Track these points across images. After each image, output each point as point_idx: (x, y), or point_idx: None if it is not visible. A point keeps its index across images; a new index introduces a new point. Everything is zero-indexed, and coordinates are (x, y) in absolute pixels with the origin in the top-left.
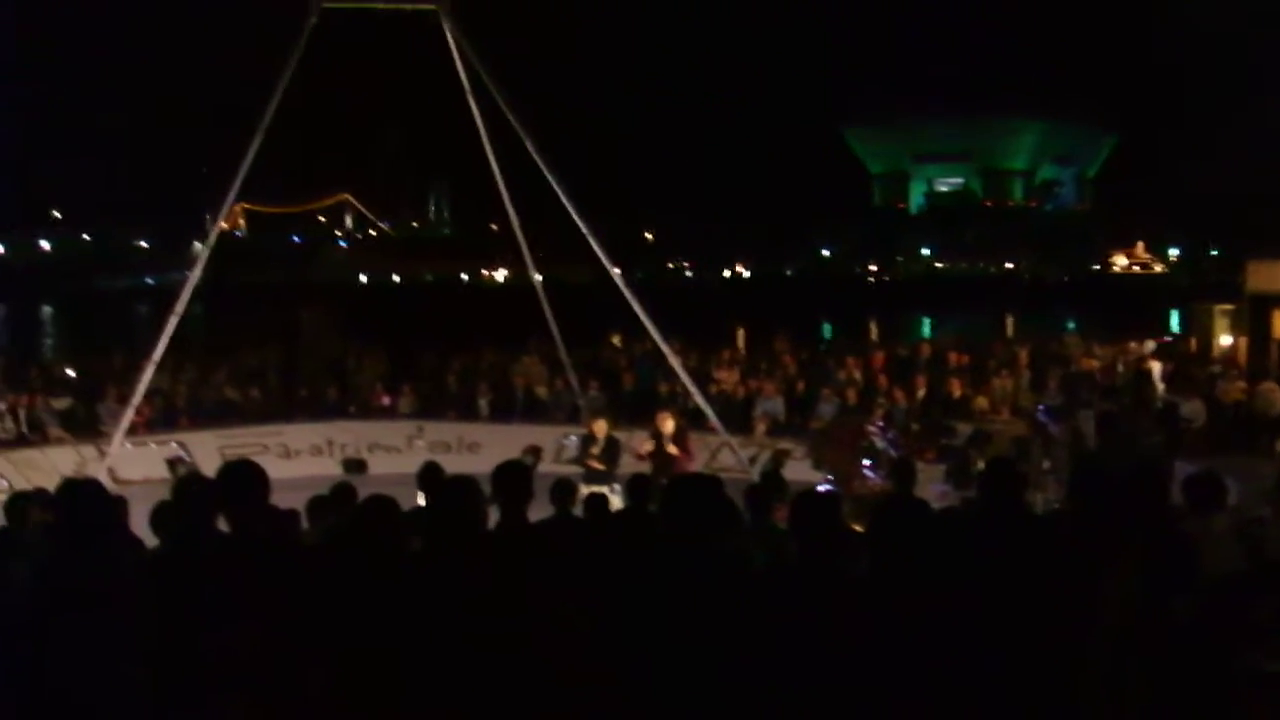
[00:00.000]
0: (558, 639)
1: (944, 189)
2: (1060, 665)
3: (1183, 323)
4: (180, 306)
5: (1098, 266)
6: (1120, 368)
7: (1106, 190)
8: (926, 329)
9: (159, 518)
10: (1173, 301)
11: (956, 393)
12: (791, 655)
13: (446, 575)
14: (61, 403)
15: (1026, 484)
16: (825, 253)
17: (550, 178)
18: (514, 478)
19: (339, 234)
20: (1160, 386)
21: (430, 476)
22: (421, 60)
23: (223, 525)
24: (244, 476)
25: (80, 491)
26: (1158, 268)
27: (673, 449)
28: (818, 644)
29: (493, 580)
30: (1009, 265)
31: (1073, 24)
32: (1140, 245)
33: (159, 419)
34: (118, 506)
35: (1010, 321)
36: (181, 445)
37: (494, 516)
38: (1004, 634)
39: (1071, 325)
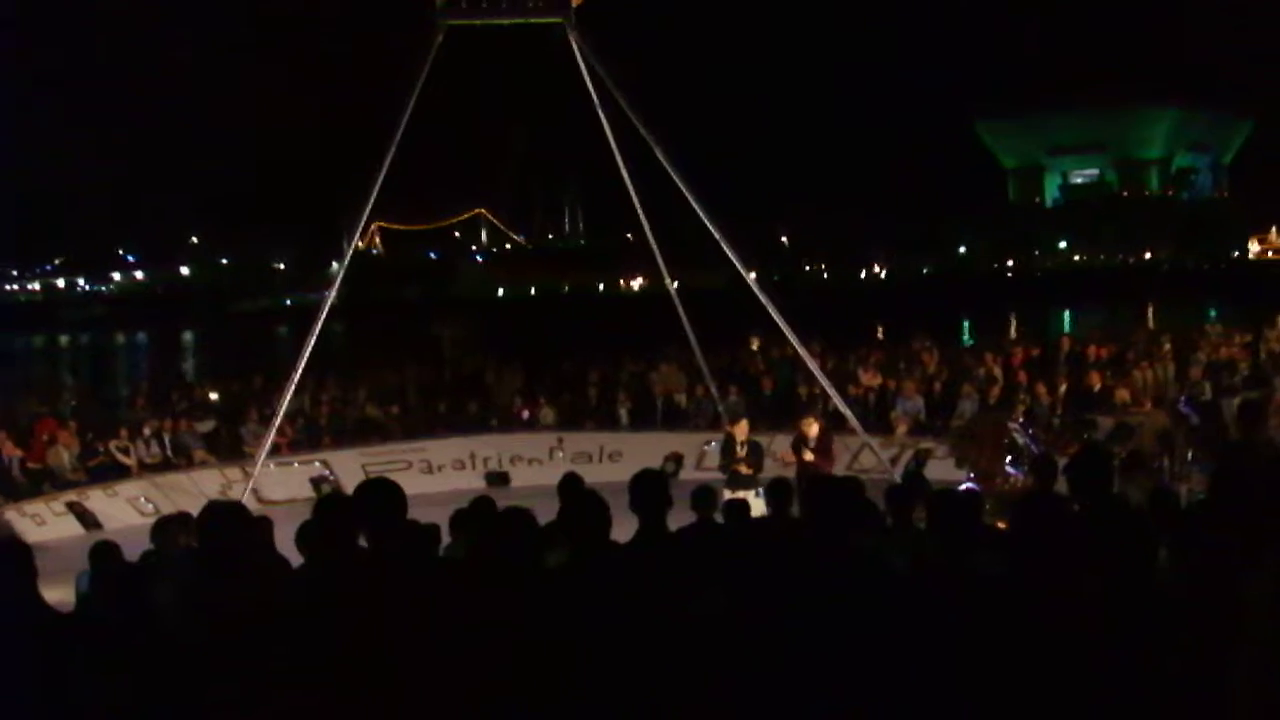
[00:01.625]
0: (697, 645)
1: (1079, 181)
2: (1205, 664)
3: None
4: (318, 326)
5: (1237, 254)
6: (1263, 355)
7: (1243, 176)
8: (1066, 323)
9: (303, 536)
10: None
11: (1097, 386)
12: (929, 658)
13: (581, 587)
14: (205, 426)
15: (1151, 472)
16: (962, 250)
17: (681, 184)
18: (651, 486)
19: (474, 248)
20: None
21: (569, 487)
22: (549, 71)
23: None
24: (380, 494)
25: (221, 514)
26: None
27: (809, 455)
28: (955, 646)
29: (629, 589)
30: (1147, 256)
31: (1203, 8)
32: (1274, 231)
33: (302, 439)
34: (261, 527)
35: (1151, 312)
36: (325, 464)
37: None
38: (1147, 632)
39: (1213, 314)
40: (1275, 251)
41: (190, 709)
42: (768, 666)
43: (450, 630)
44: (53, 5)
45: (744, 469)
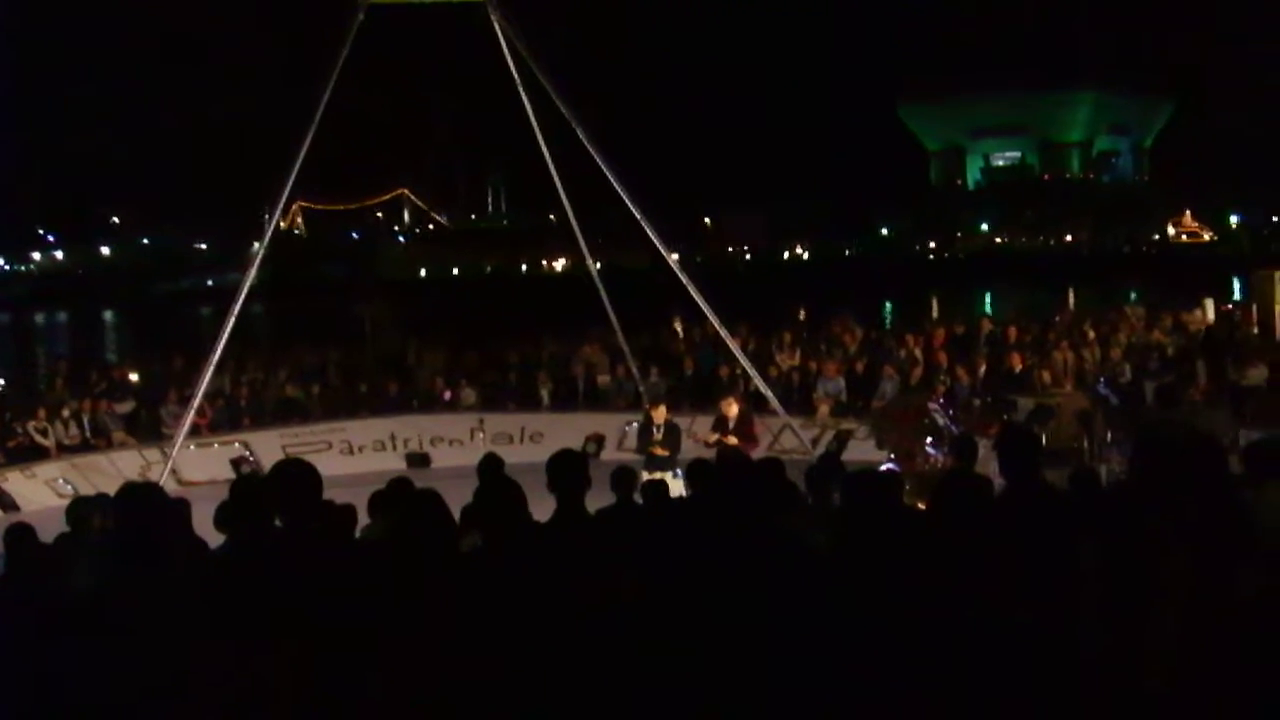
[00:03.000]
0: (614, 625)
1: (1001, 164)
2: (1123, 640)
3: (1244, 290)
4: (238, 306)
5: (1158, 237)
6: (1182, 337)
7: (1164, 160)
8: (987, 305)
9: (221, 517)
10: (1234, 269)
11: (1018, 367)
12: (846, 633)
13: (498, 568)
14: (124, 407)
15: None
16: (884, 231)
17: (603, 165)
18: (569, 466)
19: (397, 229)
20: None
21: (489, 469)
22: (472, 52)
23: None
24: (294, 475)
25: (138, 495)
26: (1206, 236)
27: (731, 439)
28: (872, 621)
29: (546, 569)
30: (1068, 238)
31: None
32: (1188, 214)
33: (222, 420)
34: (179, 508)
35: (1071, 295)
36: (245, 445)
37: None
38: (1066, 610)
39: (1133, 296)
40: (1190, 235)
41: (106, 690)
42: (687, 645)
43: (366, 611)
44: None
45: (659, 450)
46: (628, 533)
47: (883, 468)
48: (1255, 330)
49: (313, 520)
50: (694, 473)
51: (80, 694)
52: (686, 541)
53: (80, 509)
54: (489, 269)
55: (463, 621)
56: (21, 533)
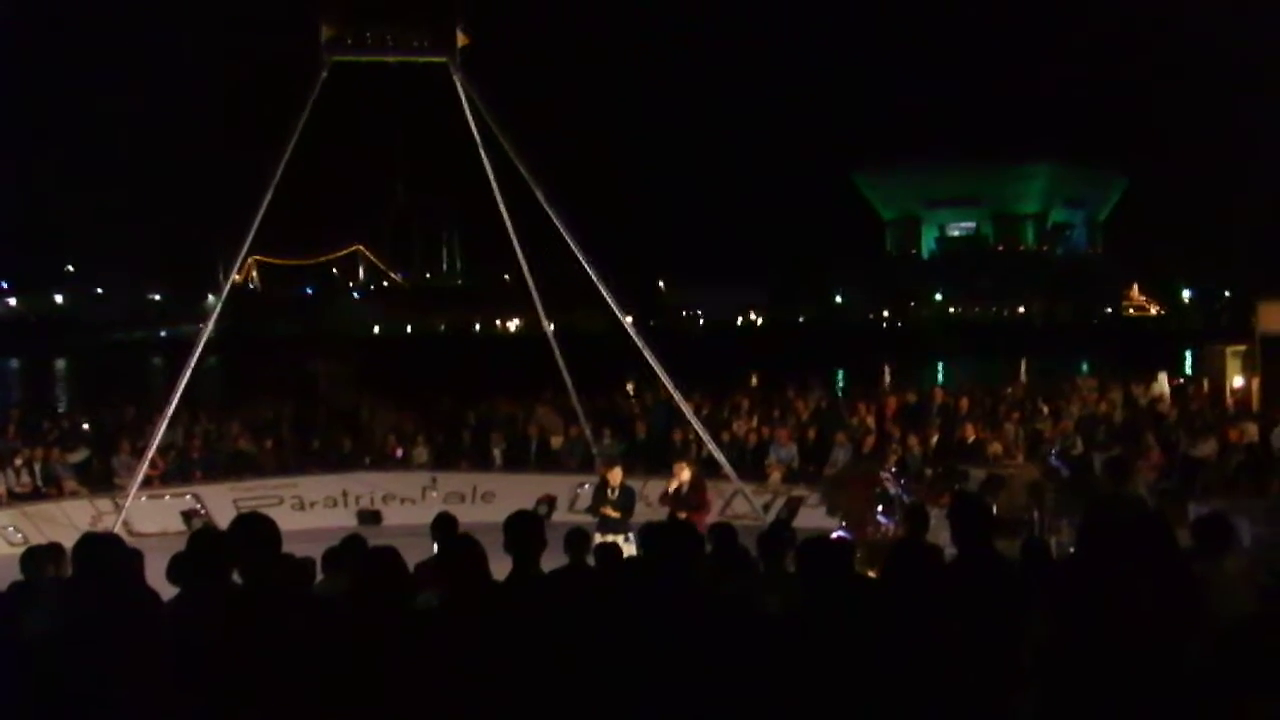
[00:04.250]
0: (567, 688)
1: (956, 234)
2: (1067, 708)
3: (1195, 364)
4: (193, 359)
5: (1110, 309)
6: (1131, 410)
7: (1118, 233)
8: (940, 374)
9: (174, 570)
10: (1185, 343)
11: (970, 438)
12: (798, 697)
13: (456, 626)
14: (76, 456)
15: (1027, 527)
16: (838, 299)
17: (560, 227)
18: (526, 528)
19: (352, 285)
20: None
21: (443, 527)
22: (432, 111)
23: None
24: (255, 529)
25: (97, 545)
26: (1153, 310)
27: (682, 513)
28: (824, 686)
29: (503, 629)
30: (1021, 309)
31: (1080, 69)
32: (1135, 288)
33: (174, 471)
34: (134, 559)
35: (1024, 365)
36: (197, 498)
37: (507, 567)
38: (1009, 677)
39: (1085, 368)
40: (1137, 309)
41: None
42: (641, 706)
43: (323, 665)
44: None
45: (612, 512)
46: (581, 594)
47: (834, 535)
48: (1206, 404)
49: (272, 574)
50: (647, 536)
51: None
52: (639, 604)
53: (35, 557)
54: (443, 327)
55: (420, 678)
56: None
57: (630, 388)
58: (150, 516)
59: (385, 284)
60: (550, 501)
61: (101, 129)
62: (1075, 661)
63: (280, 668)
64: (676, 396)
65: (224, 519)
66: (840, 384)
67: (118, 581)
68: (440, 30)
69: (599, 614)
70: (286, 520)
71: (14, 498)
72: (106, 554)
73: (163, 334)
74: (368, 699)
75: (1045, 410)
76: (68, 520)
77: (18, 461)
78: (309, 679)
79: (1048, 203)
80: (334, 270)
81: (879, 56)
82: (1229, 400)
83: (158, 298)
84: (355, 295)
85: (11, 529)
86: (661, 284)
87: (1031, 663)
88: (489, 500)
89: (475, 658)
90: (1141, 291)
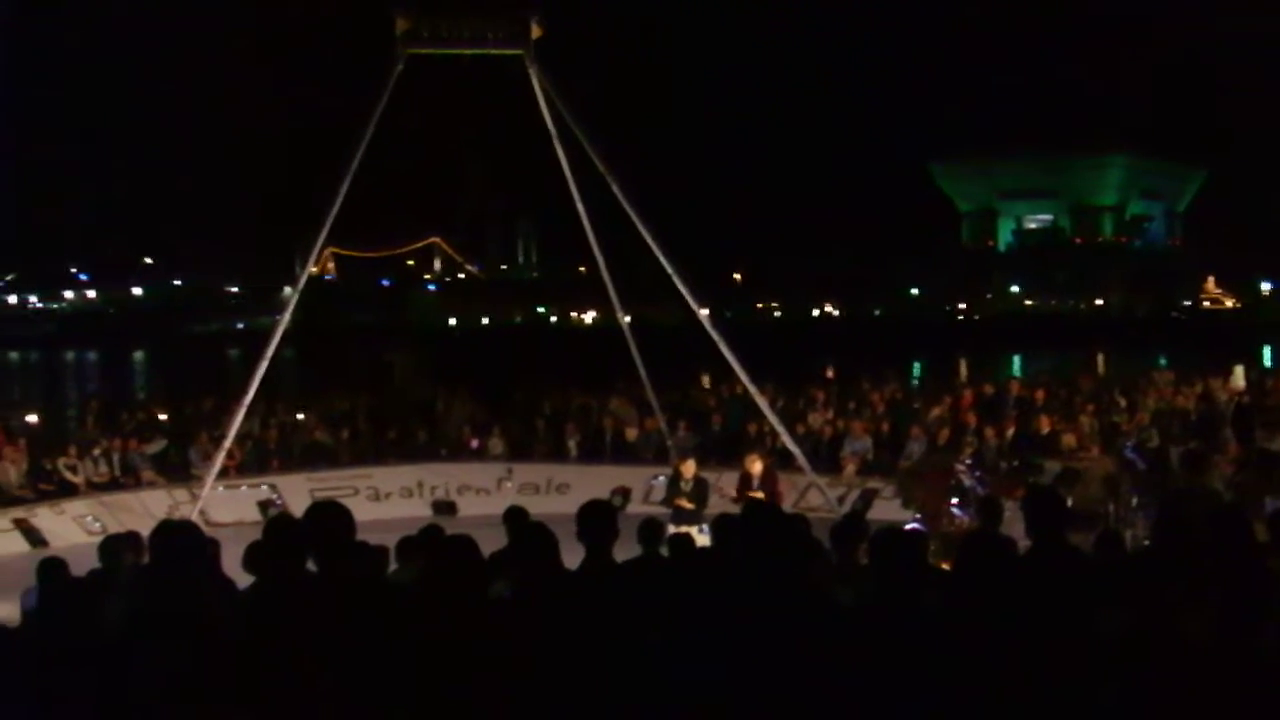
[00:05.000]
0: (645, 675)
1: (1033, 226)
2: (1145, 705)
3: (1274, 357)
4: (270, 350)
5: (1189, 302)
6: (1209, 404)
7: (1196, 225)
8: (1016, 367)
9: (250, 558)
10: (1264, 336)
11: (1045, 430)
12: (869, 690)
13: (528, 615)
14: (154, 446)
15: (1104, 519)
16: (914, 291)
17: (636, 219)
18: (599, 517)
19: (428, 277)
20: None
21: (515, 519)
22: (508, 103)
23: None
24: (330, 517)
25: (175, 532)
26: (1229, 303)
27: (757, 494)
28: (897, 679)
29: (575, 618)
30: (1099, 302)
31: (1158, 59)
32: (1210, 281)
33: (250, 462)
34: (210, 548)
35: (1101, 358)
36: (273, 488)
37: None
38: (1083, 670)
39: (1163, 361)
40: (1213, 301)
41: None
42: (715, 696)
43: (398, 654)
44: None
45: (686, 504)
46: (653, 584)
47: (908, 527)
48: None
49: (346, 562)
50: (720, 526)
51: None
52: (712, 594)
53: (113, 545)
54: (518, 319)
55: (492, 666)
56: (55, 567)
57: (705, 380)
58: (226, 507)
59: (461, 276)
60: (624, 493)
61: (180, 122)
62: (1150, 655)
63: (353, 655)
64: (752, 389)
65: (300, 509)
66: (916, 377)
67: (194, 568)
68: (515, 23)
69: (671, 603)
70: (362, 511)
71: (92, 487)
72: (183, 541)
73: (240, 325)
74: (439, 686)
75: (1122, 403)
76: (145, 510)
77: (96, 452)
78: (382, 667)
79: (1125, 194)
80: (410, 262)
81: (957, 47)
82: None
83: (235, 289)
84: (431, 287)
85: (90, 518)
86: (737, 276)
87: (1106, 656)
88: (564, 491)
89: (547, 646)
90: (1218, 284)
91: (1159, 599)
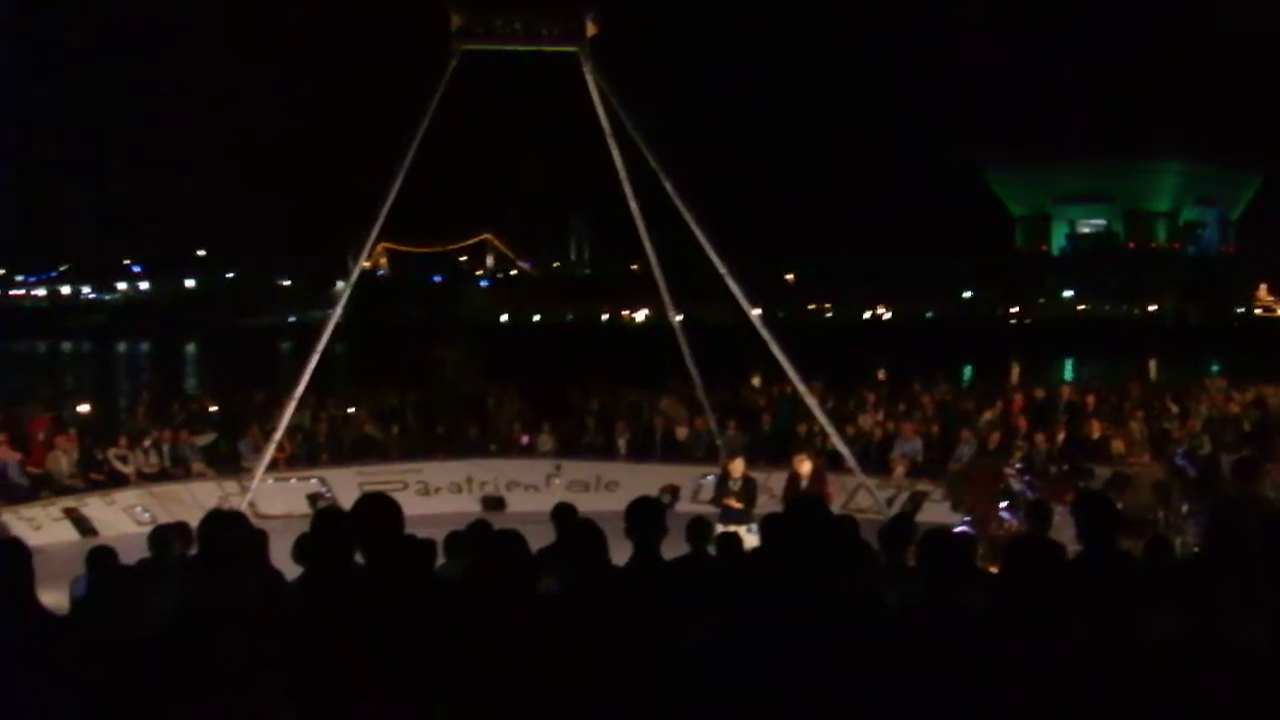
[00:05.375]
0: (691, 673)
1: (1086, 231)
2: (1196, 712)
3: None
4: (322, 344)
5: (1242, 309)
6: (1262, 411)
7: (1252, 232)
8: (1068, 372)
9: (300, 550)
10: None
11: (1096, 435)
12: (915, 691)
13: (575, 610)
14: (204, 438)
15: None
16: (966, 294)
17: (689, 218)
18: (648, 513)
19: (480, 273)
20: None
21: (563, 516)
22: (562, 100)
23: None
24: (378, 509)
25: (225, 522)
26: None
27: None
28: (940, 681)
29: (624, 614)
30: (1152, 308)
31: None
32: (1264, 288)
33: (300, 455)
34: (259, 538)
35: (1153, 364)
36: (322, 481)
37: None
38: (1132, 675)
39: (1216, 368)
40: (1265, 309)
41: (183, 716)
42: (758, 695)
43: (444, 648)
44: (62, 13)
45: (735, 503)
46: (703, 583)
47: (957, 530)
48: None
49: (394, 555)
50: (769, 525)
51: (161, 710)
52: (759, 592)
53: (163, 535)
54: (570, 317)
55: (538, 662)
56: (104, 555)
57: (756, 380)
58: (276, 499)
59: (513, 273)
60: (673, 491)
61: (236, 115)
62: (1201, 660)
63: (400, 648)
64: (802, 389)
65: (349, 502)
66: (967, 380)
67: (242, 559)
68: (571, 20)
69: (718, 601)
70: (411, 505)
71: (142, 478)
72: (231, 530)
73: (291, 319)
74: (486, 680)
75: (1173, 409)
76: (194, 501)
77: (146, 442)
78: (429, 660)
79: (1179, 200)
80: (462, 259)
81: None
82: None
83: (287, 283)
84: (483, 283)
85: (139, 508)
86: (790, 277)
87: (1156, 661)
88: (612, 489)
89: (593, 642)
90: (1270, 291)
91: (1210, 604)
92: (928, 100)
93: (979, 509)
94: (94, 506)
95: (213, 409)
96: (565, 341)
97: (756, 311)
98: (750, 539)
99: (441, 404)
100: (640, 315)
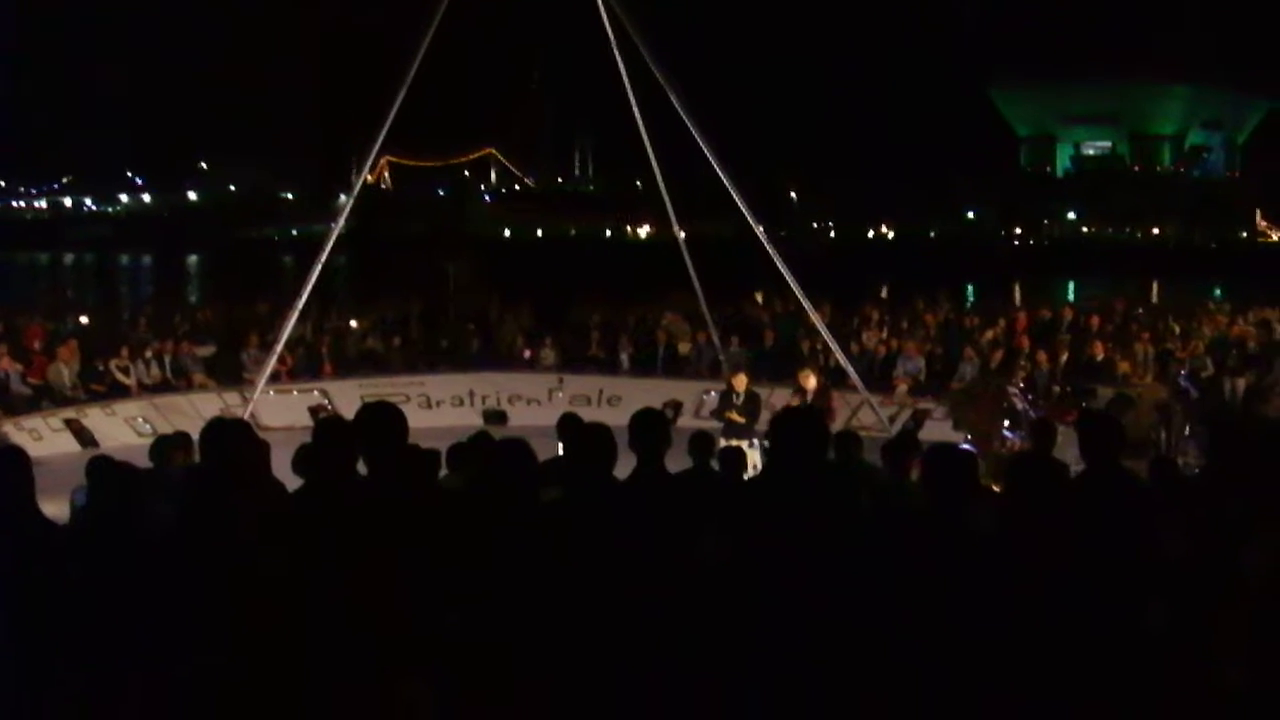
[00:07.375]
0: (697, 586)
1: (1091, 153)
2: (1199, 630)
3: None
4: (323, 256)
5: (1246, 234)
6: (1266, 335)
7: (1257, 157)
8: (1071, 293)
9: (300, 460)
10: None
11: (1099, 356)
12: (916, 605)
13: (581, 518)
14: (206, 350)
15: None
16: (970, 215)
17: (695, 133)
18: (651, 425)
19: (483, 187)
20: None
21: (569, 427)
22: (567, 14)
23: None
24: (382, 418)
25: (226, 429)
26: (1275, 236)
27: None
28: (941, 596)
29: (628, 525)
30: (1155, 231)
31: None
32: (1258, 215)
33: (302, 367)
34: (262, 448)
35: (1155, 287)
36: (324, 393)
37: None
38: (1135, 593)
39: (1218, 292)
40: (1261, 234)
41: (184, 623)
42: (759, 606)
43: (447, 556)
44: None
45: (737, 417)
46: (707, 496)
47: (958, 448)
48: None
49: (398, 463)
50: (776, 424)
51: (162, 618)
52: (764, 504)
53: (164, 445)
54: (574, 232)
55: (541, 571)
56: (105, 465)
57: (759, 296)
58: (277, 411)
59: (517, 187)
60: (676, 406)
61: (233, 25)
62: (1205, 576)
63: (404, 556)
64: (806, 305)
65: (351, 415)
66: (970, 299)
67: (245, 465)
68: None
69: (722, 515)
70: (413, 418)
71: (144, 389)
72: (234, 438)
73: (294, 231)
74: (490, 587)
75: (1176, 331)
76: (196, 412)
77: (148, 354)
78: (430, 569)
79: (1186, 124)
80: (466, 173)
81: None
82: None
83: (289, 196)
84: (487, 198)
85: (141, 420)
86: (793, 194)
87: (1161, 579)
88: (615, 404)
89: (597, 550)
90: (1263, 217)
91: (1215, 523)
92: (933, 17)
93: (981, 427)
94: (95, 418)
95: (215, 321)
96: (568, 256)
97: (760, 227)
98: (753, 454)
99: (444, 317)
100: (644, 230)
